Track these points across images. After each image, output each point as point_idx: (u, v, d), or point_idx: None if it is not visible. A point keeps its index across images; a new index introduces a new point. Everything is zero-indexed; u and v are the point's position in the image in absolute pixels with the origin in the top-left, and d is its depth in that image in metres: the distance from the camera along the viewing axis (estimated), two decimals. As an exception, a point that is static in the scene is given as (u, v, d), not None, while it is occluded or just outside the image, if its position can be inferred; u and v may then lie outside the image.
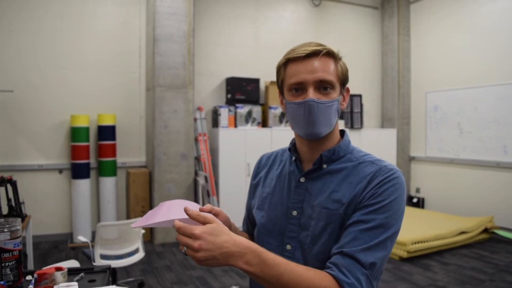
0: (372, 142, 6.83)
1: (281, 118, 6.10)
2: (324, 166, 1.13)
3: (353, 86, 7.05)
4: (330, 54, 1.08)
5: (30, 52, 5.20)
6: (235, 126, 5.81)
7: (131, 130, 5.76)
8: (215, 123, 5.90)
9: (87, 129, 5.28)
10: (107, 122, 5.38)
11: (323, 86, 1.07)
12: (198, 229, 0.88)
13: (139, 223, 1.04)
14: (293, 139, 1.22)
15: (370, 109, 7.34)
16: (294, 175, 1.17)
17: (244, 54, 6.34)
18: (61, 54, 5.36)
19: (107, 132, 5.39)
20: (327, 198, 1.08)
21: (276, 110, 6.03)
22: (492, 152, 5.79)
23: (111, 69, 5.61)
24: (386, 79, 7.41)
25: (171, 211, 1.02)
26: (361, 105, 6.73)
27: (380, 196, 1.01)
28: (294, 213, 1.12)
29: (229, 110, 5.78)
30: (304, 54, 1.05)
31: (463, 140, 6.22)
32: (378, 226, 0.99)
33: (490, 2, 5.88)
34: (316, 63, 1.06)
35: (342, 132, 1.19)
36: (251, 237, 1.31)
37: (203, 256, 0.87)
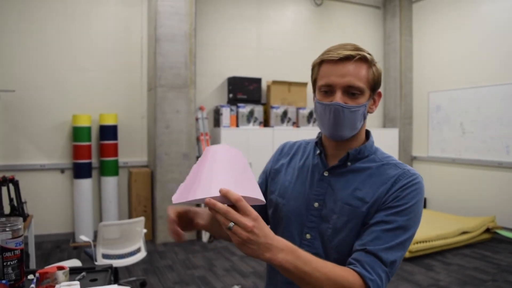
0: (374, 142, 6.80)
1: (283, 117, 6.10)
2: (349, 164, 1.16)
3: (355, 86, 7.08)
4: (364, 59, 1.10)
5: (32, 52, 5.21)
6: (237, 125, 5.81)
7: (133, 130, 5.76)
8: (216, 122, 5.90)
9: (89, 129, 5.28)
10: (109, 122, 5.39)
11: (351, 91, 1.09)
12: (255, 212, 0.88)
13: (180, 197, 0.93)
14: (320, 133, 1.25)
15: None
16: (318, 168, 1.20)
17: (245, 54, 6.34)
18: (63, 54, 5.37)
19: (109, 132, 5.40)
20: (350, 195, 1.12)
21: (278, 110, 6.03)
22: (495, 152, 5.77)
23: (113, 69, 5.62)
24: (388, 79, 7.40)
25: (213, 181, 0.92)
26: (363, 105, 6.71)
27: (403, 199, 1.07)
28: (316, 205, 1.16)
29: (231, 110, 5.78)
30: (337, 58, 1.08)
31: (465, 140, 6.21)
32: (400, 228, 1.05)
33: (493, 1, 5.86)
34: (348, 67, 1.08)
35: (367, 133, 1.23)
36: None
37: (249, 238, 0.86)
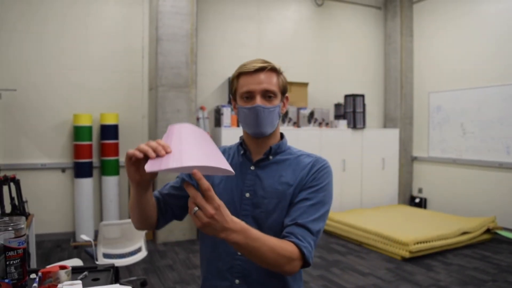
0: (375, 142, 6.82)
1: (283, 117, 6.10)
2: (271, 157, 1.40)
3: (356, 86, 7.08)
4: (273, 70, 1.36)
5: (34, 52, 5.22)
6: (238, 125, 5.81)
7: (134, 129, 5.77)
8: (217, 122, 5.90)
9: (90, 128, 5.29)
10: (110, 121, 5.39)
11: (267, 94, 1.33)
12: (218, 200, 1.00)
13: (152, 166, 0.97)
14: (241, 137, 1.47)
15: (373, 109, 7.33)
16: (244, 165, 1.41)
17: (247, 54, 6.33)
18: (64, 53, 5.37)
19: (109, 131, 5.40)
20: (276, 181, 1.35)
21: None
22: (495, 153, 5.78)
23: (114, 69, 5.63)
24: (388, 79, 7.40)
25: (184, 150, 0.99)
26: (364, 105, 6.72)
27: (319, 179, 1.32)
28: (247, 195, 1.36)
29: (232, 110, 5.79)
30: (253, 69, 1.33)
31: (466, 140, 6.21)
32: (319, 202, 1.29)
33: (493, 2, 5.87)
34: (262, 76, 1.33)
35: (281, 134, 1.46)
36: (157, 206, 1.37)
37: (209, 222, 0.99)
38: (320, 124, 6.53)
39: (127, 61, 5.71)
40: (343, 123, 6.62)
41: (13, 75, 5.12)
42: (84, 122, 5.23)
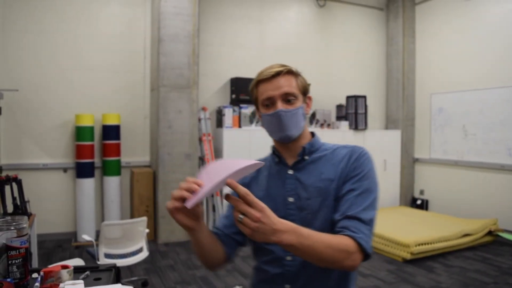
0: (376, 143, 6.82)
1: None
2: (306, 157, 1.38)
3: (358, 87, 7.07)
4: (291, 72, 1.35)
5: (36, 52, 5.23)
6: (239, 126, 5.82)
7: (136, 129, 5.78)
8: (219, 123, 5.91)
9: (91, 129, 5.30)
10: (112, 121, 5.40)
11: (287, 98, 1.32)
12: (261, 203, 0.99)
13: (191, 201, 1.02)
14: (273, 146, 1.45)
15: (375, 110, 7.32)
16: (282, 172, 1.39)
17: (248, 55, 6.34)
18: (67, 54, 5.38)
19: (111, 132, 5.41)
20: (317, 180, 1.32)
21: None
22: (497, 155, 5.77)
23: (116, 69, 5.64)
24: (390, 81, 7.39)
25: (213, 175, 1.02)
26: (366, 106, 6.72)
27: (360, 167, 1.29)
28: (290, 199, 1.34)
29: (233, 111, 5.79)
30: (270, 75, 1.32)
31: (467, 142, 6.20)
32: (366, 190, 1.26)
33: (496, 3, 5.86)
34: (280, 80, 1.32)
35: (313, 133, 1.45)
36: (218, 241, 1.38)
37: (257, 227, 0.98)
38: (321, 125, 6.54)
39: (129, 62, 5.72)
40: (344, 124, 6.62)
41: (15, 76, 5.13)
42: (86, 122, 5.24)
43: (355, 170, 1.29)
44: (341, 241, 1.14)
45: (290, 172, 1.37)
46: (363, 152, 1.34)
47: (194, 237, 1.24)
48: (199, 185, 1.04)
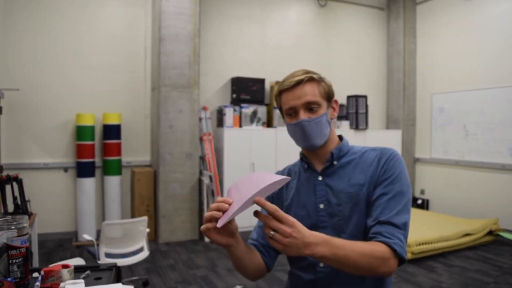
0: (377, 143, 6.71)
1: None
2: (335, 162, 1.36)
3: (358, 87, 7.07)
4: (312, 79, 1.32)
5: (36, 51, 5.24)
6: (240, 126, 5.82)
7: (136, 129, 5.78)
8: (220, 123, 5.91)
9: (92, 128, 5.30)
10: (113, 121, 5.40)
11: (310, 106, 1.31)
12: (291, 217, 1.00)
13: (222, 220, 1.04)
14: (301, 152, 1.45)
15: (375, 110, 7.32)
16: (312, 178, 1.39)
17: (249, 54, 6.34)
18: (68, 53, 5.39)
19: (112, 131, 5.42)
20: (347, 185, 1.31)
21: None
22: (498, 155, 5.76)
23: (117, 69, 5.64)
24: (391, 80, 7.39)
25: (241, 192, 1.04)
26: (366, 106, 6.72)
27: (391, 170, 1.27)
28: (321, 206, 1.33)
29: (234, 110, 5.79)
30: (291, 85, 1.31)
31: (468, 142, 6.20)
32: (398, 194, 1.23)
33: (497, 3, 5.85)
34: (302, 89, 1.30)
35: (341, 137, 1.44)
36: (257, 252, 1.38)
37: (289, 242, 0.99)
38: (322, 125, 6.53)
39: (130, 61, 5.72)
40: (345, 124, 6.61)
41: (16, 75, 5.14)
42: (86, 122, 5.24)
43: (385, 174, 1.27)
44: (375, 248, 1.13)
45: (320, 178, 1.37)
46: (393, 153, 1.31)
47: (232, 253, 1.23)
48: (228, 203, 1.05)
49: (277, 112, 6.01)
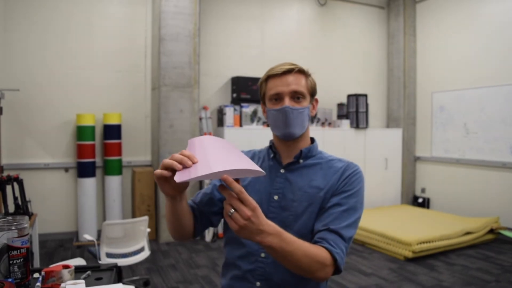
0: (378, 142, 6.81)
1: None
2: (301, 161, 1.39)
3: (359, 86, 7.06)
4: (301, 72, 1.37)
5: (37, 51, 5.23)
6: (240, 125, 5.81)
7: (137, 129, 5.78)
8: (220, 122, 5.90)
9: (93, 128, 5.30)
10: (113, 121, 5.40)
11: (296, 96, 1.34)
12: (254, 202, 1.00)
13: (181, 176, 0.99)
14: (271, 140, 1.47)
15: (376, 109, 7.32)
16: (274, 168, 1.41)
17: (249, 54, 6.34)
18: (68, 53, 5.38)
19: (112, 131, 5.41)
20: (307, 185, 1.34)
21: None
22: (498, 153, 5.75)
23: (117, 69, 5.64)
24: (391, 79, 7.38)
25: (209, 159, 1.00)
26: (367, 105, 6.71)
27: (351, 185, 1.31)
28: (276, 197, 1.35)
29: (234, 110, 5.78)
30: (281, 72, 1.34)
31: (469, 140, 6.19)
32: (351, 208, 1.28)
33: (497, 1, 5.84)
34: (290, 78, 1.33)
35: (312, 139, 1.47)
36: (192, 215, 1.39)
37: (245, 224, 1.00)
38: (323, 124, 6.53)
39: (130, 61, 5.72)
40: (346, 123, 6.61)
41: (16, 75, 5.14)
42: (87, 122, 5.24)
43: (345, 186, 1.31)
44: (319, 252, 1.16)
45: (282, 171, 1.39)
46: (357, 170, 1.35)
47: (173, 205, 1.24)
48: (193, 162, 1.02)
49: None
